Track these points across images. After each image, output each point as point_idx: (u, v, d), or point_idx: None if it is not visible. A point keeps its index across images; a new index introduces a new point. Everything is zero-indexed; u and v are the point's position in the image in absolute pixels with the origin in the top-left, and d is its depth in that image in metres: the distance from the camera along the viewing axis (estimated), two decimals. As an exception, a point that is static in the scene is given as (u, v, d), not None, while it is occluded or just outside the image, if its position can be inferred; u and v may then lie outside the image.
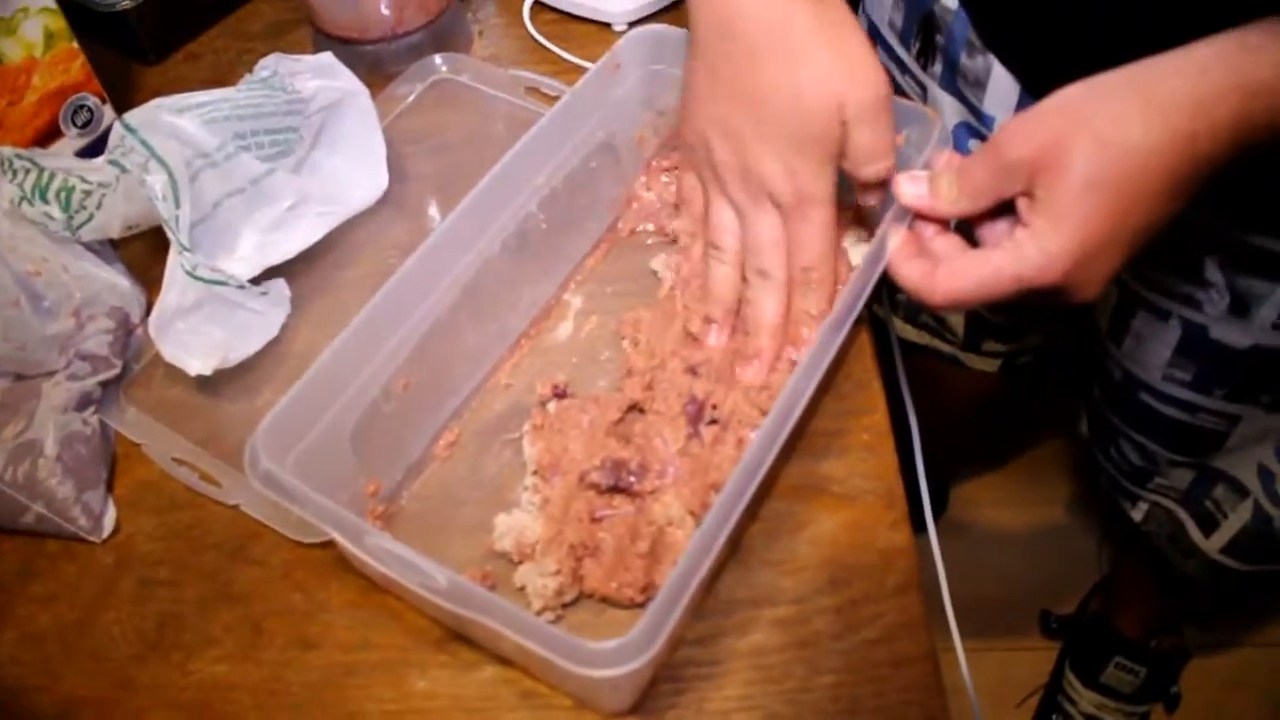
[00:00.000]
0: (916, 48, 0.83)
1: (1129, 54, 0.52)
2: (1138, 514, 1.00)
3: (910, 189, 0.58)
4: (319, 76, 0.70)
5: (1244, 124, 0.49)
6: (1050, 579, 1.58)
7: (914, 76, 0.85)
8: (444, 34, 0.89)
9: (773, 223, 0.61)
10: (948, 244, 0.58)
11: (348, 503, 0.58)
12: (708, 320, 0.65)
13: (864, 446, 0.64)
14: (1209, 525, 0.94)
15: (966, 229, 0.59)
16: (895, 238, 0.59)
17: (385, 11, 0.85)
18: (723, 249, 0.64)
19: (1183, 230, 0.69)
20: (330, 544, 0.61)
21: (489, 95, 0.83)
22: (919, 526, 0.69)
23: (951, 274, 0.55)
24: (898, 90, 0.85)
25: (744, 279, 0.64)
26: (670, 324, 0.67)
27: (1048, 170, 0.51)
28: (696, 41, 0.61)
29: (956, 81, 0.79)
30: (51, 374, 0.66)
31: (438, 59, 0.85)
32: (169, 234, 0.62)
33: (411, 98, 0.83)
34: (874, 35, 0.89)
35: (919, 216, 0.59)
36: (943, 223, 0.59)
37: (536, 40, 0.89)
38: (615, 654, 0.45)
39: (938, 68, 0.81)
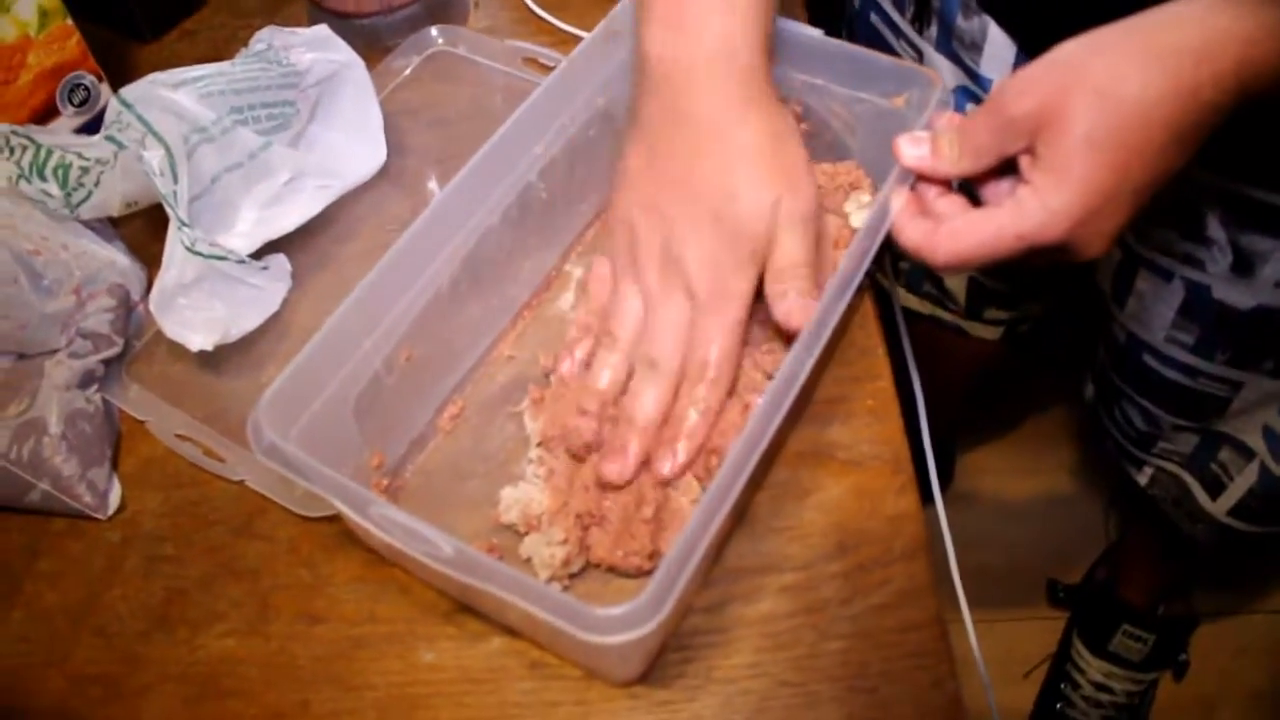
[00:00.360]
0: (912, 11, 0.82)
1: (1124, 9, 0.52)
2: (1143, 478, 1.00)
3: (911, 150, 0.58)
4: (314, 49, 0.69)
5: (1248, 71, 0.49)
6: (1057, 548, 1.58)
7: (909, 41, 0.84)
8: (440, 6, 0.88)
9: (679, 313, 0.60)
10: (950, 204, 0.58)
11: (352, 475, 0.58)
12: (582, 411, 0.61)
13: (869, 412, 0.64)
14: (1215, 488, 0.94)
15: (972, 191, 0.58)
16: (898, 199, 0.58)
17: (379, -17, 0.84)
18: (617, 338, 0.62)
19: (1184, 186, 0.69)
20: (336, 518, 0.61)
21: (486, 67, 0.83)
22: (926, 496, 0.69)
23: (953, 233, 0.55)
24: (892, 54, 0.84)
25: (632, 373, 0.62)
26: None
27: (1048, 126, 0.51)
28: (640, 122, 0.61)
29: (952, 44, 0.79)
30: (53, 353, 0.66)
31: (434, 31, 0.84)
32: (167, 210, 0.62)
33: (408, 70, 0.83)
34: (867, 2, 0.88)
35: (921, 178, 0.58)
36: (945, 183, 0.58)
37: (533, 10, 0.89)
38: (623, 619, 0.45)
39: (933, 30, 0.80)
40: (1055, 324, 1.13)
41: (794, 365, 0.53)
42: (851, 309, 0.68)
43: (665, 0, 0.59)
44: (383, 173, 0.75)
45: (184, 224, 0.62)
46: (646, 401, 0.59)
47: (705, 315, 0.59)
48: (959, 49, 0.79)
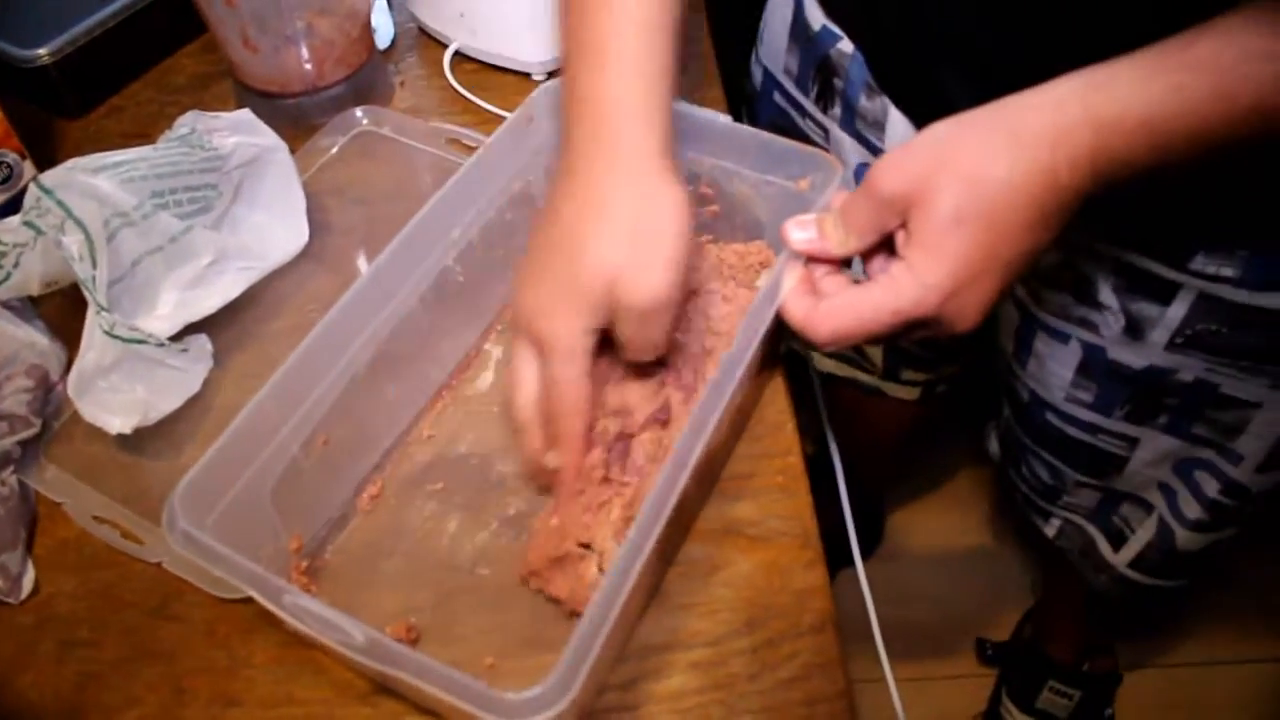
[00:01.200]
0: (815, 91, 0.85)
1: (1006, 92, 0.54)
2: (1050, 530, 1.03)
3: (799, 234, 0.59)
4: (237, 133, 0.70)
5: (1101, 156, 0.51)
6: (985, 605, 1.61)
7: (814, 119, 0.87)
8: (365, 86, 0.90)
9: (531, 369, 0.61)
10: (834, 283, 0.60)
11: (270, 558, 0.59)
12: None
13: (778, 488, 0.66)
14: (1118, 540, 0.98)
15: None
16: (790, 278, 0.60)
17: (306, 65, 0.86)
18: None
19: (1075, 255, 0.72)
20: (252, 598, 0.61)
21: (411, 147, 0.84)
22: (851, 560, 0.71)
23: (831, 311, 0.57)
24: (798, 133, 0.88)
25: None
26: None
27: (919, 204, 0.53)
28: (545, 205, 0.62)
29: (856, 123, 0.82)
30: (-32, 435, 0.65)
31: (358, 112, 0.86)
32: (86, 294, 0.63)
33: (334, 150, 0.84)
34: (770, 82, 0.92)
35: (811, 259, 0.60)
36: (834, 262, 0.60)
37: (457, 91, 0.91)
38: (532, 703, 0.46)
39: (837, 110, 0.84)
40: (970, 384, 1.16)
41: (690, 435, 0.54)
42: (760, 384, 0.70)
43: (582, 77, 0.60)
44: (306, 251, 0.76)
45: (103, 308, 0.62)
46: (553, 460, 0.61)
47: (543, 368, 0.60)
48: (862, 128, 0.82)
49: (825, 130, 0.86)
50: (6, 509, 0.64)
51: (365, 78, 0.90)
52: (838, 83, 0.82)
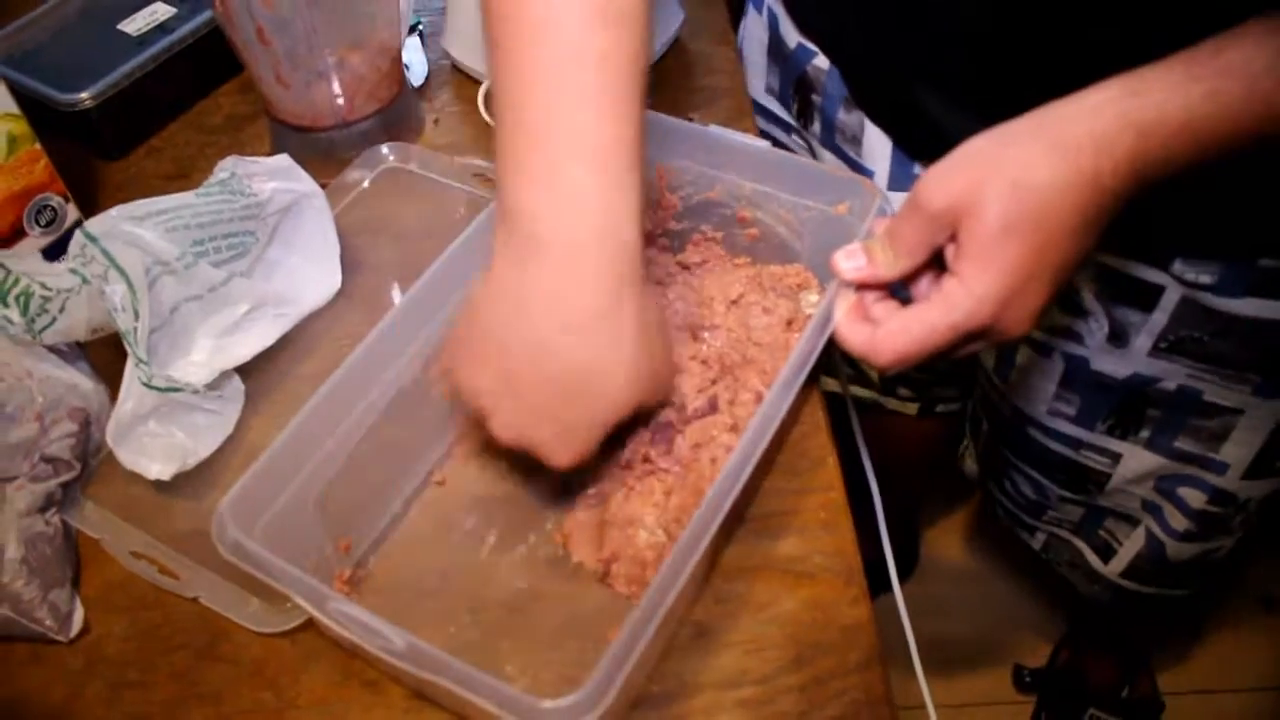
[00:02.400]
0: (795, 108, 0.87)
1: (989, 113, 0.55)
2: (1036, 543, 1.04)
3: (848, 264, 0.60)
4: (275, 178, 0.71)
5: (1140, 160, 0.52)
6: (1020, 629, 1.59)
7: (800, 135, 0.89)
8: (396, 120, 0.91)
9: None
10: (886, 309, 0.60)
11: (314, 568, 0.60)
12: None
13: (821, 524, 0.66)
14: (1106, 553, 0.98)
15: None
16: (842, 306, 0.60)
17: (337, 100, 0.87)
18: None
19: None
20: (297, 638, 0.62)
21: (438, 182, 0.85)
22: (888, 583, 0.71)
23: (891, 334, 0.57)
24: (785, 149, 0.87)
25: None
26: None
27: (968, 216, 0.53)
28: (498, 278, 0.57)
29: (835, 138, 0.83)
30: (13, 478, 0.66)
31: (384, 148, 0.87)
32: (126, 345, 0.64)
33: (364, 185, 0.85)
34: (755, 102, 0.93)
35: (862, 286, 0.60)
36: (882, 288, 0.61)
37: (491, 127, 0.91)
38: (567, 711, 0.47)
39: (816, 127, 0.85)
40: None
41: (739, 460, 0.55)
42: (801, 419, 0.70)
43: (530, 153, 0.55)
44: (339, 290, 0.77)
45: (141, 360, 0.63)
46: None
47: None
48: (841, 142, 0.83)
49: (812, 148, 0.88)
50: (52, 548, 0.65)
51: (396, 112, 0.91)
52: (815, 99, 0.83)
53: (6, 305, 0.65)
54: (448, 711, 0.59)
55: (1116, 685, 1.43)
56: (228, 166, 0.71)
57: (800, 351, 0.59)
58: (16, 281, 0.65)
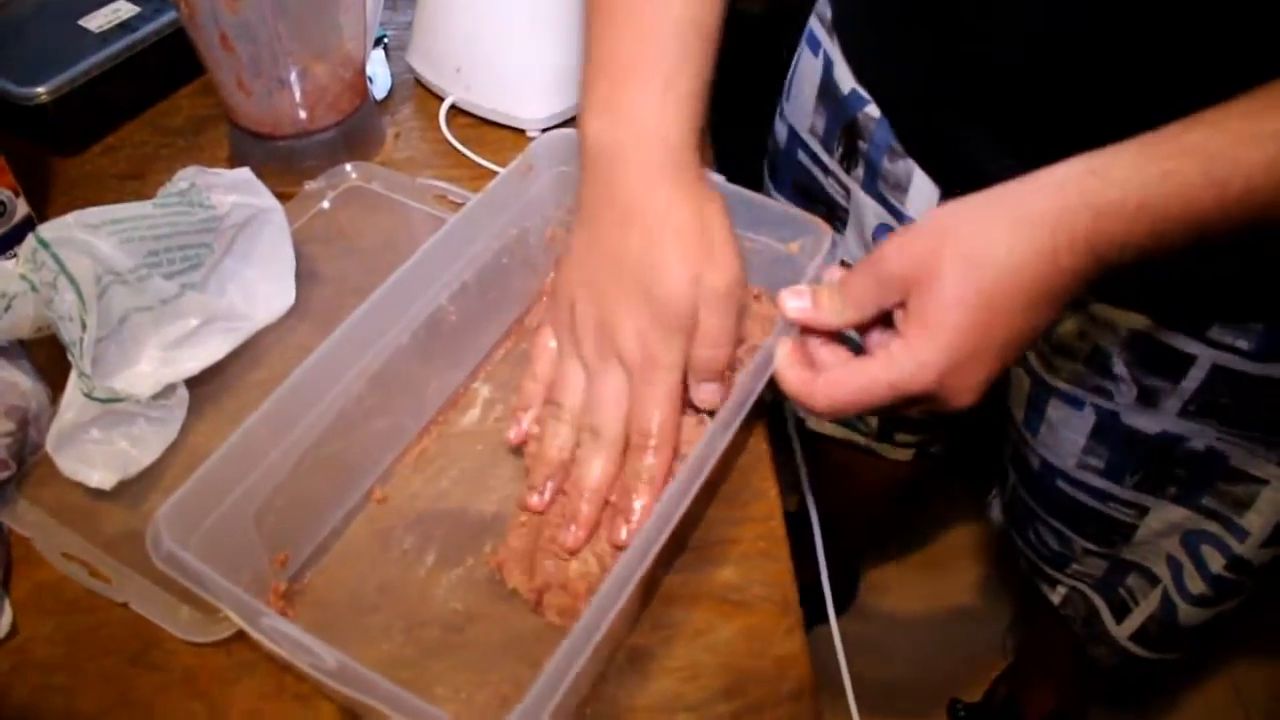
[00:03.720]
0: (839, 152, 0.87)
1: (1039, 162, 0.56)
2: (1056, 597, 1.04)
3: (794, 303, 0.61)
4: (235, 192, 0.71)
5: (1099, 239, 0.53)
6: (959, 665, 1.61)
7: (837, 179, 0.89)
8: (356, 133, 0.91)
9: (617, 383, 0.62)
10: (832, 354, 0.61)
11: (250, 583, 0.60)
12: (530, 486, 0.65)
13: (760, 553, 0.67)
14: (1121, 612, 0.99)
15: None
16: (782, 349, 0.61)
17: (298, 109, 0.87)
18: (563, 406, 0.64)
19: (1089, 326, 0.75)
20: (231, 648, 0.62)
21: (400, 202, 0.86)
22: (825, 616, 0.71)
23: (830, 383, 0.58)
24: (820, 192, 0.91)
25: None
26: None
27: (921, 284, 0.54)
28: (583, 209, 0.64)
29: (878, 185, 0.84)
30: (-54, 476, 0.65)
31: (348, 167, 0.87)
32: (70, 356, 0.63)
33: (324, 203, 0.85)
34: (794, 139, 0.94)
35: (805, 329, 0.61)
36: (828, 333, 0.62)
37: (451, 144, 0.92)
38: None
39: (860, 171, 0.86)
40: (966, 444, 1.18)
41: (674, 496, 0.55)
42: (742, 449, 0.71)
43: (602, 87, 0.62)
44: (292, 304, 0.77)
45: (84, 373, 0.63)
46: (593, 470, 0.62)
47: (641, 386, 0.61)
48: (884, 189, 0.84)
49: (847, 190, 0.88)
50: (-15, 549, 0.64)
51: (357, 124, 0.91)
52: (862, 145, 0.84)
53: (-49, 302, 0.64)
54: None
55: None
56: (188, 177, 0.71)
57: (743, 387, 0.60)
58: (-39, 280, 0.64)
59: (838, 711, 0.72)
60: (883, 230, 0.87)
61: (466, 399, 0.74)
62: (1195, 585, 0.90)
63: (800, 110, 0.92)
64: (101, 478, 0.65)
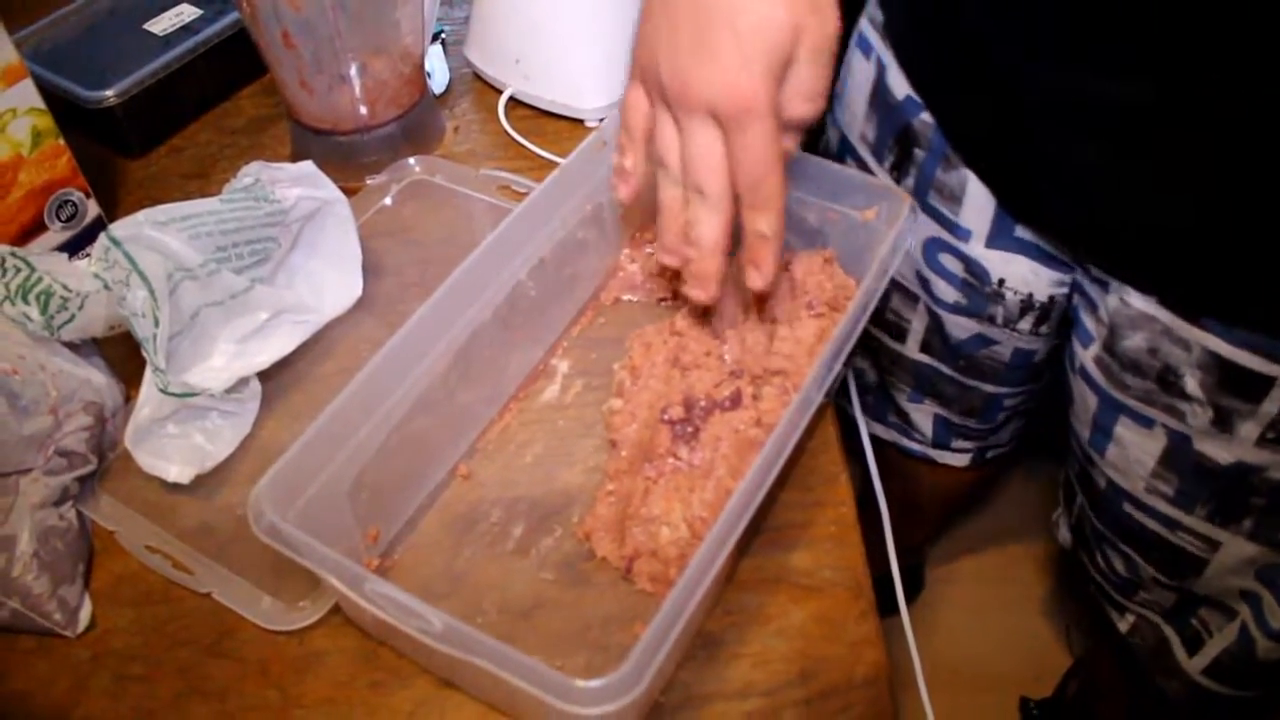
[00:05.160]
0: (890, 161, 0.85)
1: (1086, 167, 0.54)
2: (1124, 625, 0.98)
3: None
4: (299, 185, 0.72)
5: None
6: (1026, 660, 1.58)
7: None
8: (416, 127, 0.92)
9: (710, 138, 0.58)
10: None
11: (345, 556, 0.60)
12: (660, 247, 0.64)
13: (831, 538, 0.66)
14: (1194, 645, 0.92)
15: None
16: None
17: (359, 105, 0.88)
18: (669, 166, 0.61)
19: (1161, 341, 0.71)
20: (304, 638, 0.63)
21: (463, 194, 0.86)
22: (892, 608, 0.70)
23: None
24: None
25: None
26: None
27: None
28: None
29: (929, 195, 0.82)
30: (28, 471, 0.66)
31: (411, 161, 0.88)
32: (144, 352, 0.64)
33: (388, 198, 0.86)
34: (844, 146, 0.92)
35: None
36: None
37: (511, 136, 0.92)
38: (601, 691, 0.47)
39: (911, 181, 0.83)
40: (1033, 453, 1.14)
41: (755, 478, 0.55)
42: (816, 434, 0.71)
43: None
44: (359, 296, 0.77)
45: (158, 368, 0.64)
46: (706, 230, 0.60)
47: (734, 136, 0.57)
48: (935, 200, 0.82)
49: None
50: (65, 543, 0.65)
51: (416, 118, 0.92)
52: (918, 153, 0.82)
53: (27, 302, 0.66)
54: (453, 714, 0.60)
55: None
56: (252, 172, 0.72)
57: (822, 363, 0.60)
58: (39, 280, 0.65)
59: (907, 701, 0.71)
60: (933, 243, 0.84)
61: (546, 375, 0.75)
62: (1276, 620, 0.82)
63: (852, 116, 0.89)
64: (179, 471, 0.66)
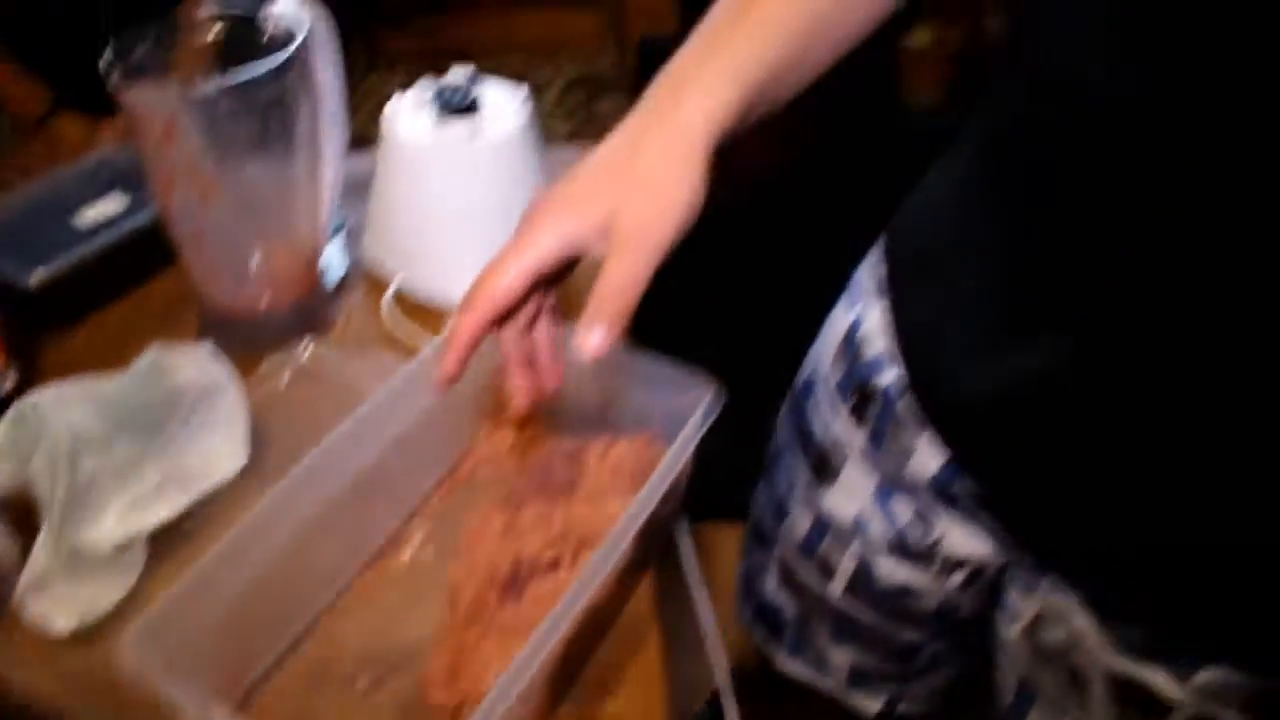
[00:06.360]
0: (850, 405, 0.84)
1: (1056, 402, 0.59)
2: None
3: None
4: (194, 367, 0.82)
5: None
6: None
7: (841, 433, 0.86)
8: (310, 314, 1.03)
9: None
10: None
11: (211, 695, 0.65)
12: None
13: (639, 683, 0.74)
14: None
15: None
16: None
17: (259, 294, 0.99)
18: None
19: (1071, 649, 0.70)
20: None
21: (347, 377, 0.96)
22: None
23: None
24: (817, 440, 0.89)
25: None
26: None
27: None
28: None
29: (881, 448, 0.82)
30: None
31: (302, 345, 0.98)
32: (42, 511, 0.73)
33: (282, 380, 0.96)
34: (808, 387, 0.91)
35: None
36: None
37: (396, 323, 1.03)
38: None
39: (865, 432, 0.83)
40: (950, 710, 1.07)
41: (573, 593, 0.63)
42: (633, 593, 0.80)
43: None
44: (246, 467, 0.86)
45: (54, 527, 0.72)
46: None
47: None
48: (887, 454, 0.81)
49: (848, 446, 0.86)
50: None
51: (312, 306, 1.03)
52: (872, 409, 0.81)
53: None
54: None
55: None
56: (152, 355, 0.82)
57: (615, 531, 0.67)
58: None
59: None
60: (883, 494, 0.83)
61: (405, 539, 0.83)
62: None
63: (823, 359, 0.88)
64: (64, 622, 0.73)
